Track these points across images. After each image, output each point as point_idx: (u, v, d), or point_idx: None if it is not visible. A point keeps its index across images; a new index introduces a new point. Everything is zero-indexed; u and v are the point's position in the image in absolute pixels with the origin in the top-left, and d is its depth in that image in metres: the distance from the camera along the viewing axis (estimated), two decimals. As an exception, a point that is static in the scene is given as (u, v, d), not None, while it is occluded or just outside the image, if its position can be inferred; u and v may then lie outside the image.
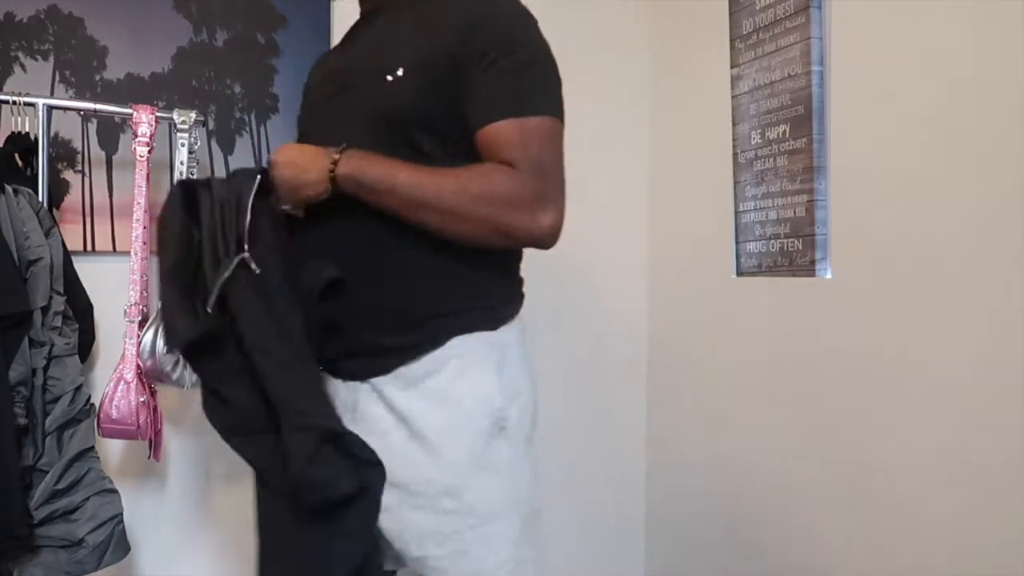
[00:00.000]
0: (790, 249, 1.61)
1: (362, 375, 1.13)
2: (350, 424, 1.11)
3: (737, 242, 1.79)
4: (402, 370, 1.11)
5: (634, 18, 2.20)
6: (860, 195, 1.46)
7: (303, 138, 1.23)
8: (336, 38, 1.96)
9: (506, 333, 1.16)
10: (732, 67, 1.80)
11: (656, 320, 2.18)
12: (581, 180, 2.16)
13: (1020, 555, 1.15)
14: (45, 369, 1.52)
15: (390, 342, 1.11)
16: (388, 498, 1.09)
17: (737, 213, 1.79)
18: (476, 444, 1.10)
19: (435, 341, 1.11)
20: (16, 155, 1.65)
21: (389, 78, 1.10)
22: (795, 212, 1.59)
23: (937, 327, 1.29)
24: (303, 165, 1.09)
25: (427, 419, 1.09)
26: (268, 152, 1.90)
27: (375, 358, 1.12)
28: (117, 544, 1.58)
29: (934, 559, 1.29)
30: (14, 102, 1.62)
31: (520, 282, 1.25)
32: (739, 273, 1.80)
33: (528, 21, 1.14)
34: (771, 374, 1.70)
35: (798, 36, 1.57)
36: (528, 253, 2.17)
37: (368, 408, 1.12)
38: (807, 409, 1.59)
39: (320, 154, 1.08)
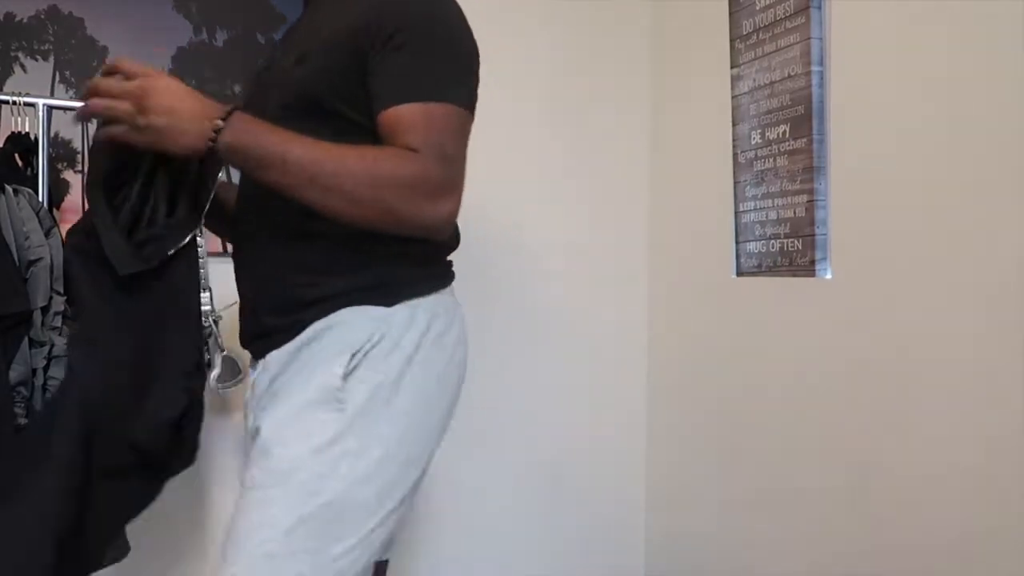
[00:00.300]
0: (790, 249, 1.61)
1: (264, 352, 1.13)
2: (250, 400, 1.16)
3: (737, 242, 1.79)
4: (294, 341, 1.10)
5: (634, 18, 2.20)
6: (860, 195, 1.46)
7: None
8: (336, 38, 1.97)
9: (400, 312, 1.08)
10: (732, 67, 1.80)
11: (656, 320, 2.18)
12: (581, 180, 2.18)
13: (1022, 555, 1.15)
14: (45, 369, 1.52)
15: (287, 321, 1.10)
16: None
17: (737, 213, 1.79)
18: (302, 406, 1.04)
19: (324, 313, 1.08)
20: (16, 155, 1.65)
21: (298, 62, 1.08)
22: (795, 212, 1.59)
23: (937, 327, 1.29)
24: (175, 116, 0.97)
25: (285, 379, 1.08)
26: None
27: (274, 335, 1.12)
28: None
29: (935, 558, 1.29)
30: (14, 102, 1.62)
31: (437, 262, 1.18)
32: (739, 273, 1.80)
33: (447, 4, 1.10)
34: (771, 374, 1.69)
35: (798, 36, 1.57)
36: (527, 254, 2.16)
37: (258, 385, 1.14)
38: (807, 409, 1.59)
39: (198, 110, 0.98)
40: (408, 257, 1.12)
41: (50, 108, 1.65)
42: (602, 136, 2.18)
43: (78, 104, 1.70)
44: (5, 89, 1.74)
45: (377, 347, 1.06)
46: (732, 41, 1.80)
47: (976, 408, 1.22)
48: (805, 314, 1.59)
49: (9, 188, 1.53)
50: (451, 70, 1.07)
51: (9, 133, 1.64)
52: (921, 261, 1.32)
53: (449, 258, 1.21)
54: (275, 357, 1.11)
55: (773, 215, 1.66)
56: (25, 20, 1.76)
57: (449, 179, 1.02)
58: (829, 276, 1.53)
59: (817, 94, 1.53)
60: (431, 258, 1.16)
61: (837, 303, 1.51)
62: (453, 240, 1.18)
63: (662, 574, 2.15)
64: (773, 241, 1.66)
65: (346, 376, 1.04)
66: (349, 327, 1.07)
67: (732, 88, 1.80)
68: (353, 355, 1.05)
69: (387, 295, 1.09)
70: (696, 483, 1.98)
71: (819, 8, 1.53)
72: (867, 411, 1.43)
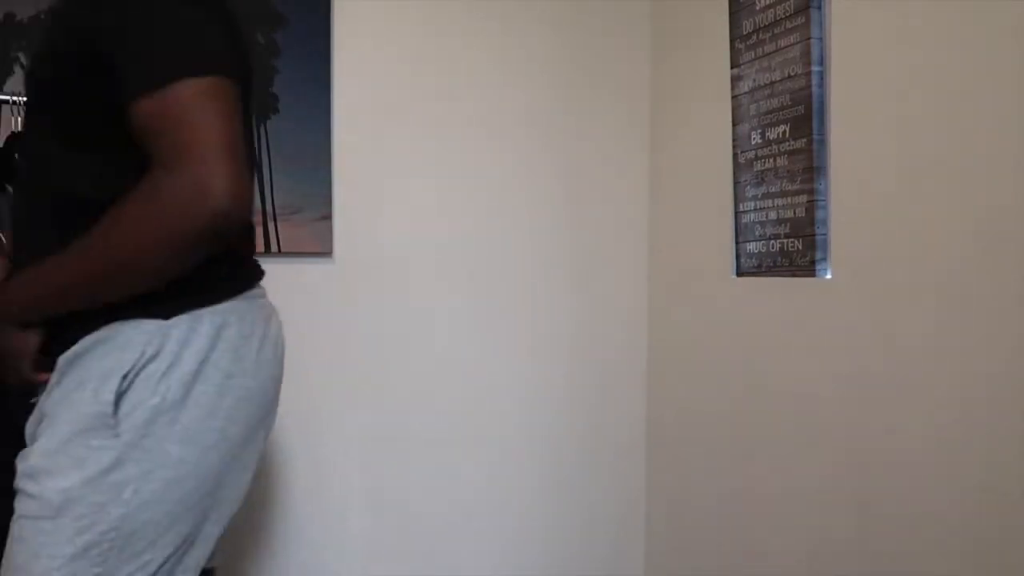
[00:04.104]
0: (790, 249, 1.61)
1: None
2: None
3: (737, 242, 1.79)
4: (64, 355, 1.01)
5: (634, 18, 2.20)
6: (860, 195, 1.46)
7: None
8: (336, 38, 1.96)
9: (180, 324, 1.00)
10: (732, 67, 1.80)
11: (656, 320, 2.18)
12: (581, 180, 2.18)
13: (1022, 557, 1.15)
14: (45, 369, 1.52)
15: (58, 334, 1.02)
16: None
17: (737, 213, 1.79)
18: (72, 430, 0.97)
19: (94, 326, 1.00)
20: (16, 155, 1.65)
21: (37, 65, 1.03)
22: (795, 212, 1.59)
23: (937, 327, 1.29)
24: None
25: (54, 397, 1.00)
26: (268, 152, 1.90)
27: (62, 346, 1.03)
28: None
29: (936, 561, 1.29)
30: (14, 102, 1.62)
31: (226, 264, 1.05)
32: (739, 273, 1.80)
33: None
34: (771, 374, 1.70)
35: (798, 36, 1.57)
36: (526, 253, 2.16)
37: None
38: (807, 409, 1.59)
39: None
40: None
41: (50, 108, 1.65)
42: (602, 136, 2.18)
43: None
44: (5, 89, 1.74)
45: (152, 364, 0.98)
46: (732, 41, 1.80)
47: (977, 408, 1.22)
48: (805, 314, 1.60)
49: (10, 188, 1.53)
50: (182, 33, 0.94)
51: (9, 133, 1.64)
52: (921, 261, 1.33)
53: (253, 257, 1.13)
54: (58, 375, 1.03)
55: (773, 215, 1.66)
56: (25, 20, 1.76)
57: (205, 176, 0.89)
58: (829, 276, 1.53)
59: (817, 94, 1.53)
60: (218, 261, 1.01)
61: (837, 303, 1.51)
62: (243, 240, 1.09)
63: (662, 574, 2.15)
64: (773, 241, 1.67)
65: (118, 399, 0.97)
66: (119, 343, 0.98)
67: (732, 88, 1.80)
68: (124, 376, 0.97)
69: (163, 306, 0.99)
70: (696, 483, 1.98)
71: (819, 8, 1.53)
72: (867, 411, 1.43)
